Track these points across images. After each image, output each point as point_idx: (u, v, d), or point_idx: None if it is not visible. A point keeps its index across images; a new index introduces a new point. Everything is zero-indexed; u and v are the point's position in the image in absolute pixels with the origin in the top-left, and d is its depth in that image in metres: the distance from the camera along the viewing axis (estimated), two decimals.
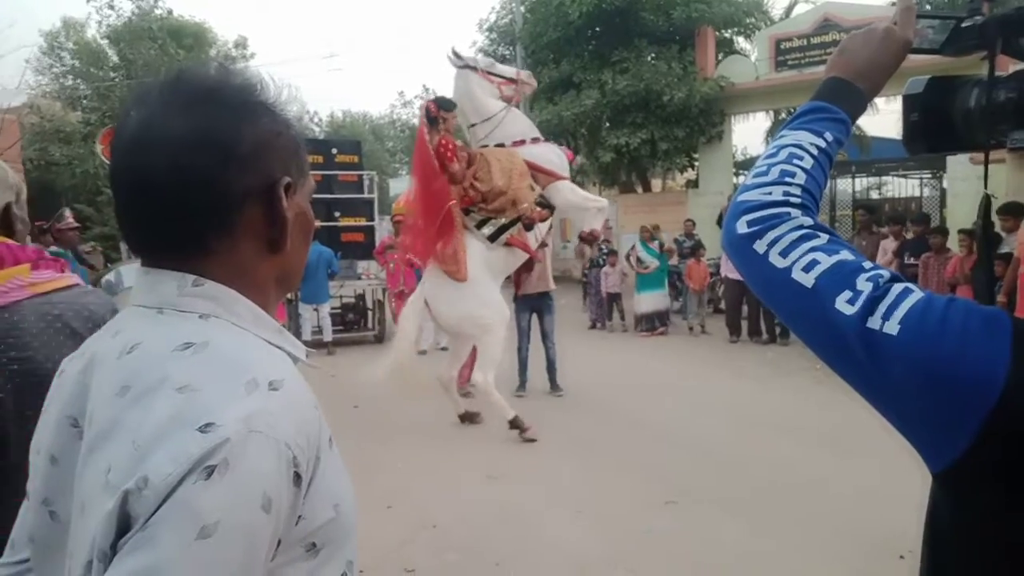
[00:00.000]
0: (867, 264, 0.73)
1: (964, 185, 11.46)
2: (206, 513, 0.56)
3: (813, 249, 0.75)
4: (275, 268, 0.76)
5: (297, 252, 0.78)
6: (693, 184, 16.88)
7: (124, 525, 0.58)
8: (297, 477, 0.63)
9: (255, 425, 0.61)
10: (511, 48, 17.93)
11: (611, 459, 4.86)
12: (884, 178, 18.47)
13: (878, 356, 0.67)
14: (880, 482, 4.05)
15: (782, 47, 13.86)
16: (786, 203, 0.79)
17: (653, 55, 14.73)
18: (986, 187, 0.87)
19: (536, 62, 16.53)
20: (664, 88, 13.81)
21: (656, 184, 20.93)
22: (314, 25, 67.26)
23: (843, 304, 0.70)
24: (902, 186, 18.45)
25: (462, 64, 5.88)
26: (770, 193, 0.81)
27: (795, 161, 0.83)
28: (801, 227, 0.77)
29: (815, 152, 0.83)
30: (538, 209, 5.66)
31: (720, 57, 15.23)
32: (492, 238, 5.59)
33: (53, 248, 5.55)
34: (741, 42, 17.12)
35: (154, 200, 0.70)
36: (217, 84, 0.73)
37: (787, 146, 0.85)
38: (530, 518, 3.91)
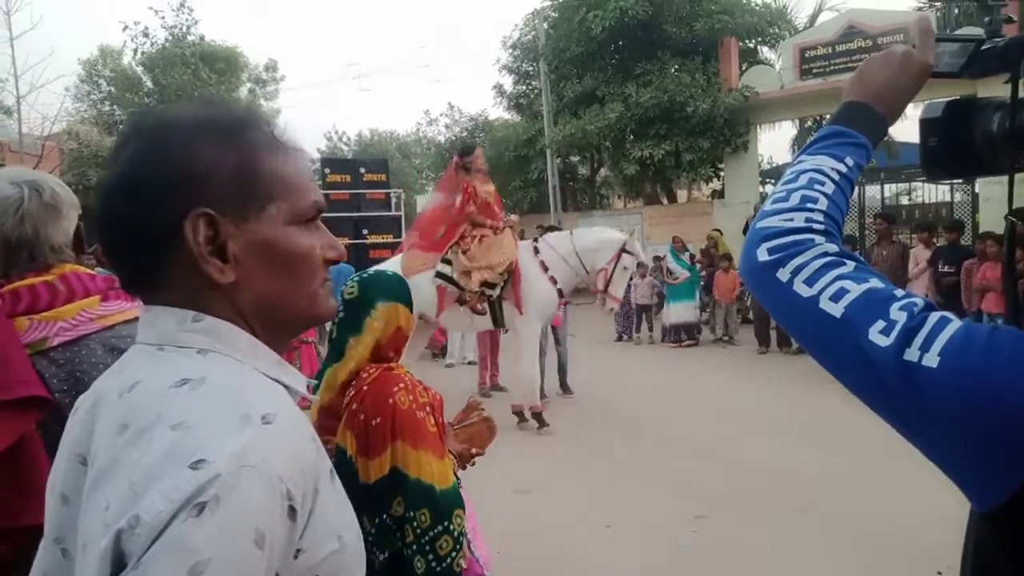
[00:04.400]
0: (899, 292, 0.69)
1: (997, 190, 11.13)
2: (197, 550, 0.56)
3: (840, 277, 0.71)
4: (234, 302, 0.73)
5: (267, 283, 0.74)
6: (719, 194, 16.76)
7: (119, 564, 0.58)
8: (292, 510, 0.63)
9: (247, 460, 0.61)
10: (534, 64, 18.06)
11: (639, 472, 4.84)
12: (914, 184, 18.09)
13: (917, 390, 0.63)
14: (916, 496, 3.96)
15: (807, 55, 13.76)
16: (809, 229, 0.76)
17: (676, 67, 14.72)
18: (1010, 212, 0.84)
19: (560, 77, 16.65)
20: (688, 99, 13.79)
21: (681, 195, 20.83)
22: (343, 47, 68.61)
23: (877, 335, 0.66)
24: (932, 191, 18.07)
25: None
26: (792, 219, 0.78)
27: (816, 186, 0.80)
28: (826, 254, 0.74)
29: (836, 177, 0.81)
30: (479, 303, 5.88)
31: (744, 67, 15.14)
32: (438, 275, 5.90)
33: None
34: (765, 51, 17.05)
35: (104, 239, 0.73)
36: (163, 121, 0.74)
37: (807, 171, 0.82)
38: (558, 533, 3.89)
